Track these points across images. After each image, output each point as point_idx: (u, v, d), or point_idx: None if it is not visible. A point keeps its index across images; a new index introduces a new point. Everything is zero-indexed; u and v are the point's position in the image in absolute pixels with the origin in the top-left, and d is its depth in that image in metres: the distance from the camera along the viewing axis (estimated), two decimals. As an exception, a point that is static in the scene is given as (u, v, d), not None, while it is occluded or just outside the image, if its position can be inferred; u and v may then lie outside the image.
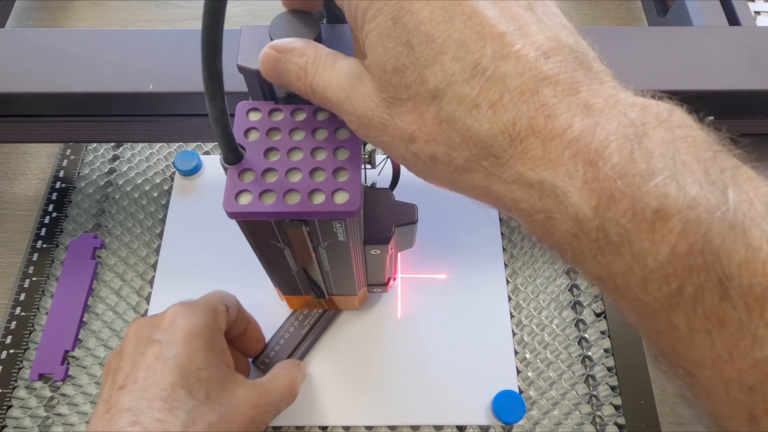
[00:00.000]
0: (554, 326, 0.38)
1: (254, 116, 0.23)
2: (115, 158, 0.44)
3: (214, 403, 0.26)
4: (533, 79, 0.16)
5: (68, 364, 0.37)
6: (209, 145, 0.45)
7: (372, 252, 0.30)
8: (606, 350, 0.37)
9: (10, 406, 0.35)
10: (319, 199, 0.22)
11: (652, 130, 0.15)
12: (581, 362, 0.37)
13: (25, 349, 0.37)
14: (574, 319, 0.38)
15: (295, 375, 0.32)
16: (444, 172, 0.18)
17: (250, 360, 0.36)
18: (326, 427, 0.35)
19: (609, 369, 0.36)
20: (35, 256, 0.40)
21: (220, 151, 0.22)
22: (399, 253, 0.35)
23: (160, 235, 0.41)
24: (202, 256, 0.40)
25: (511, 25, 0.16)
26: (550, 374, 0.36)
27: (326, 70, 0.20)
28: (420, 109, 0.17)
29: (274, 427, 0.35)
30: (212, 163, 0.43)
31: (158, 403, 0.24)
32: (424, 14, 0.17)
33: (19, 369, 0.36)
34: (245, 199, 0.22)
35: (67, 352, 0.37)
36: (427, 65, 0.17)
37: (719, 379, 0.14)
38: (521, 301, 0.38)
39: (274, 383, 0.30)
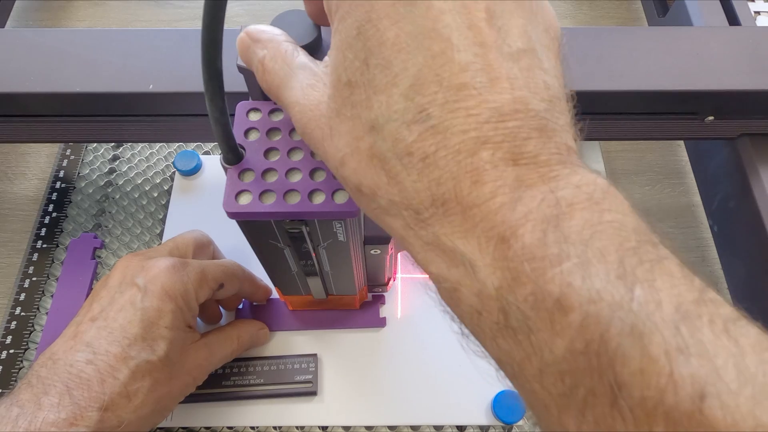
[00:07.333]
0: (554, 326, 0.38)
1: (254, 116, 0.23)
2: (115, 158, 0.44)
3: (168, 360, 0.28)
4: (475, 141, 0.14)
5: (68, 364, 0.37)
6: (209, 145, 0.45)
7: (372, 252, 0.30)
8: (606, 350, 0.37)
9: (10, 406, 0.35)
10: (319, 199, 0.22)
11: (578, 212, 0.14)
12: (581, 362, 0.37)
13: (25, 349, 0.37)
14: (574, 319, 0.38)
15: (242, 335, 0.34)
16: (367, 207, 0.17)
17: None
18: (326, 427, 0.35)
19: (609, 369, 0.36)
20: (35, 256, 0.40)
21: (220, 151, 0.22)
22: (399, 253, 0.35)
23: (160, 235, 0.41)
24: (202, 256, 0.40)
25: (479, 76, 0.15)
26: (550, 374, 0.36)
27: (282, 69, 0.19)
28: (356, 134, 0.16)
29: (275, 427, 0.35)
30: (212, 163, 0.43)
31: (117, 348, 0.27)
32: (389, 35, 0.15)
33: (19, 369, 0.36)
34: (245, 200, 0.22)
35: (67, 352, 0.37)
36: (376, 91, 0.15)
37: None
38: (521, 301, 0.38)
39: (221, 343, 0.33)
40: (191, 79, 0.32)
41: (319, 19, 0.21)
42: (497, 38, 0.15)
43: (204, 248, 0.35)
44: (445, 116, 0.14)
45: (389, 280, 0.36)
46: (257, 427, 0.35)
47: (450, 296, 0.15)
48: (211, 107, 0.19)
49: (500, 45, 0.15)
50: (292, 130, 0.23)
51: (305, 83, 0.18)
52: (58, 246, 0.41)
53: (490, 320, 0.14)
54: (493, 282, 0.14)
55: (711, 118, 0.34)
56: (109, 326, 0.28)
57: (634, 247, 0.13)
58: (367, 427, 0.35)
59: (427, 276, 0.16)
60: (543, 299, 0.13)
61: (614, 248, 0.13)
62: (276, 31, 0.20)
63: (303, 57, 0.19)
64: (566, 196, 0.14)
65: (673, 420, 0.12)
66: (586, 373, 0.13)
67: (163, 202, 0.42)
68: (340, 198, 0.22)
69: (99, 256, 0.40)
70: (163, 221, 0.41)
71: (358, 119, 0.16)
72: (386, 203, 0.16)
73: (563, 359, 0.13)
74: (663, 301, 0.12)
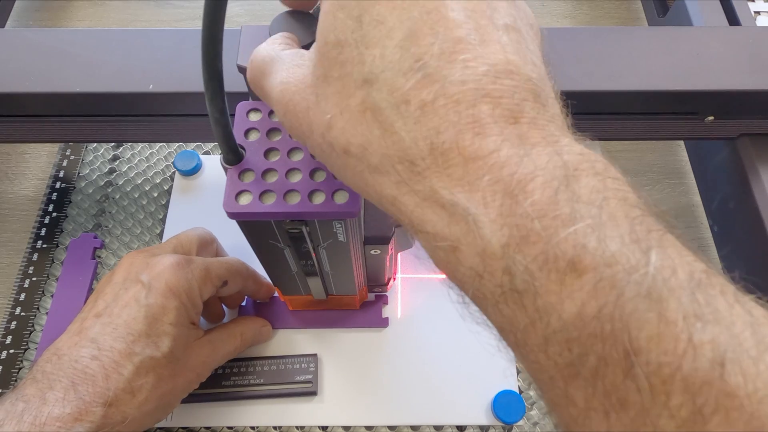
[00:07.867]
0: (554, 326, 0.38)
1: (254, 116, 0.23)
2: (115, 158, 0.44)
3: (171, 356, 0.29)
4: (474, 93, 0.14)
5: (68, 364, 0.37)
6: (209, 145, 0.45)
7: (372, 252, 0.30)
8: (606, 350, 0.37)
9: (10, 406, 0.35)
10: (319, 199, 0.22)
11: (584, 177, 0.13)
12: (581, 362, 0.37)
13: (25, 349, 0.37)
14: (574, 319, 0.38)
15: (245, 332, 0.34)
16: (355, 170, 0.16)
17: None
18: (326, 427, 0.35)
19: (609, 369, 0.36)
20: (35, 256, 0.40)
21: (220, 152, 0.22)
22: (399, 253, 0.35)
23: (160, 236, 0.41)
24: (202, 256, 0.40)
25: (473, 35, 0.15)
26: (550, 374, 0.36)
27: (269, 55, 0.19)
28: (347, 92, 0.16)
29: (275, 427, 0.35)
30: (212, 163, 0.43)
31: (121, 345, 0.27)
32: None
33: (19, 369, 0.36)
34: (245, 200, 0.22)
35: (67, 352, 0.37)
36: (369, 46, 0.15)
37: None
38: (521, 301, 0.38)
39: (224, 339, 0.33)
40: (191, 79, 0.32)
41: (294, 3, 0.22)
42: (487, 9, 0.15)
43: (208, 245, 0.35)
44: (442, 65, 0.14)
45: (389, 280, 0.36)
46: (257, 427, 0.35)
47: (447, 258, 0.14)
48: (211, 107, 0.19)
49: (490, 15, 0.15)
50: (292, 130, 0.23)
51: (292, 64, 0.18)
52: (58, 246, 0.41)
53: (493, 283, 0.13)
54: (499, 239, 0.13)
55: (711, 118, 0.34)
56: (113, 322, 0.28)
57: (640, 216, 0.13)
58: (367, 427, 0.35)
59: (420, 238, 0.15)
60: (555, 259, 0.12)
61: (623, 215, 0.13)
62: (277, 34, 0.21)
63: (294, 48, 0.19)
64: (572, 161, 0.13)
65: (692, 388, 0.11)
66: (597, 340, 0.12)
67: (163, 202, 0.42)
68: (340, 198, 0.22)
69: (99, 256, 0.40)
70: (163, 221, 0.41)
71: (349, 77, 0.16)
72: (377, 159, 0.15)
73: (572, 325, 0.12)
74: (677, 268, 0.12)
